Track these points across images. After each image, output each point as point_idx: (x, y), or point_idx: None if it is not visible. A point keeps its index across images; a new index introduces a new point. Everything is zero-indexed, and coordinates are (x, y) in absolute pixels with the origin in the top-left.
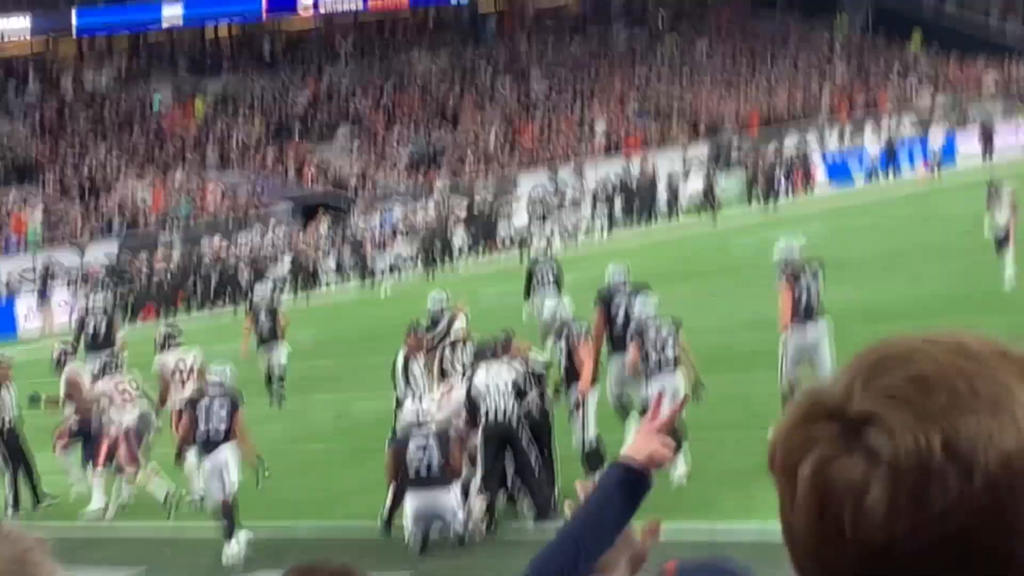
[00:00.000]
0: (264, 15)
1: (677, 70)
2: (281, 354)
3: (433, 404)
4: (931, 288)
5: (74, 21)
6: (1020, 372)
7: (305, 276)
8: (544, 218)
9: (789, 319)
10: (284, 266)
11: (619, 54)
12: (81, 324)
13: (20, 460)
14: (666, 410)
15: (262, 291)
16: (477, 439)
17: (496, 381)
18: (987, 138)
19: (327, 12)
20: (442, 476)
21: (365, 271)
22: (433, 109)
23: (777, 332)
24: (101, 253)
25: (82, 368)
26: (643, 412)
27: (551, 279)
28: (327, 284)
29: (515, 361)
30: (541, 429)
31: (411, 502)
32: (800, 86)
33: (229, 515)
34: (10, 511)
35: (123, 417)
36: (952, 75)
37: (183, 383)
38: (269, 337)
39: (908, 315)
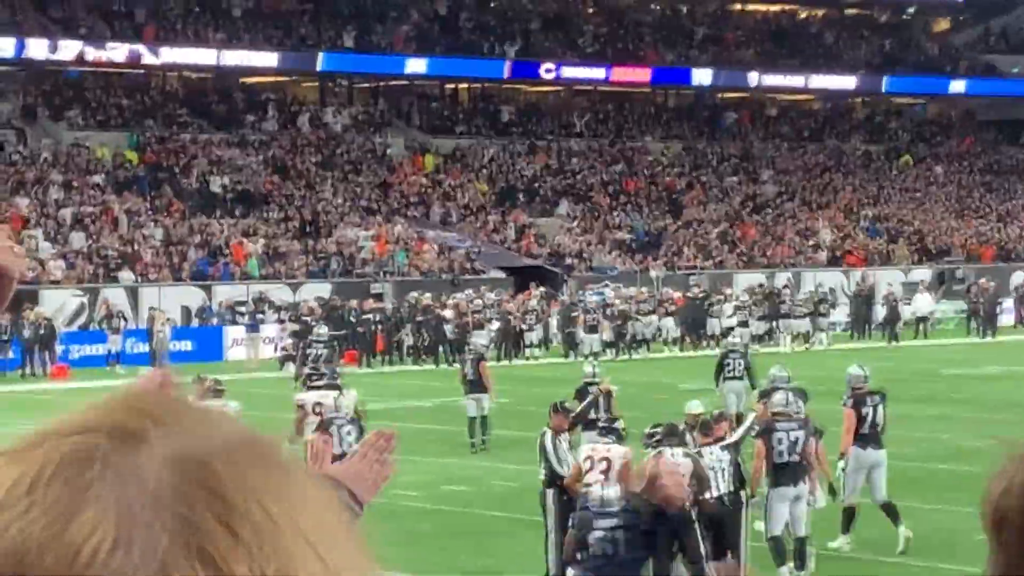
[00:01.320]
0: (506, 77)
1: (910, 191)
2: (485, 404)
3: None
4: None
5: (320, 62)
6: None
7: (509, 343)
8: (761, 317)
9: (851, 442)
10: (491, 331)
11: (853, 167)
12: (304, 352)
13: None
14: None
15: (477, 343)
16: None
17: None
18: None
19: (568, 78)
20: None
21: (572, 346)
22: (658, 195)
23: (977, 466)
24: (314, 293)
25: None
26: None
27: (741, 368)
28: (530, 356)
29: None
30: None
31: None
32: None
33: None
34: None
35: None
36: None
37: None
38: (475, 389)
39: None
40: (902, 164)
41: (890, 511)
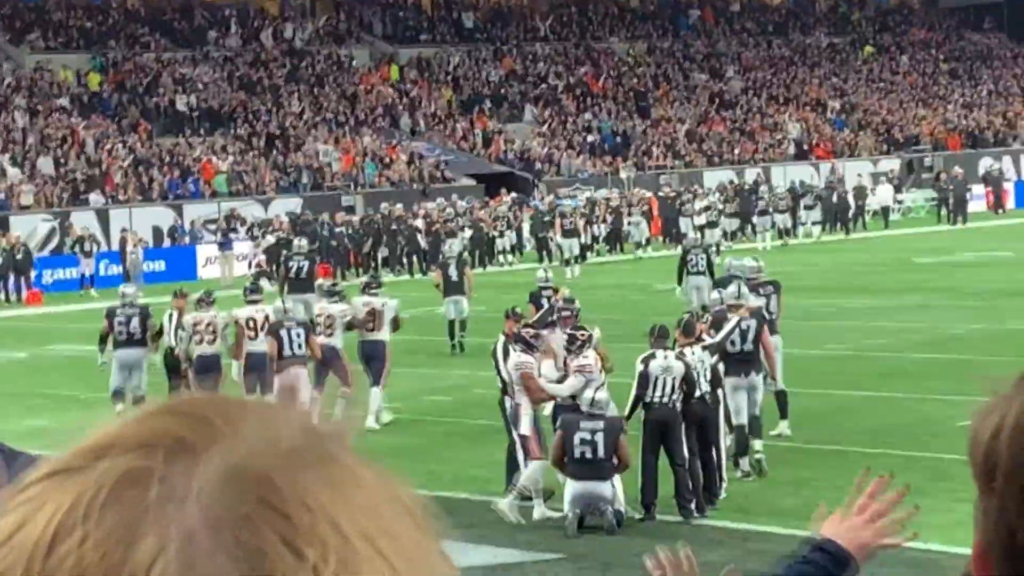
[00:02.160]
0: None
1: (875, 81)
2: (464, 306)
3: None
4: None
5: None
6: None
7: (481, 251)
8: (733, 214)
9: None
10: (463, 239)
11: (818, 59)
12: (286, 265)
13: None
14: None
15: (453, 248)
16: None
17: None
18: None
19: None
20: (604, 469)
21: (544, 252)
22: (625, 96)
23: (955, 353)
24: (284, 208)
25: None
26: None
27: (704, 264)
28: (504, 263)
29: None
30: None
31: (571, 488)
32: (999, 108)
33: None
34: None
35: None
36: None
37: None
38: (456, 291)
39: None
40: (866, 55)
41: (781, 401)
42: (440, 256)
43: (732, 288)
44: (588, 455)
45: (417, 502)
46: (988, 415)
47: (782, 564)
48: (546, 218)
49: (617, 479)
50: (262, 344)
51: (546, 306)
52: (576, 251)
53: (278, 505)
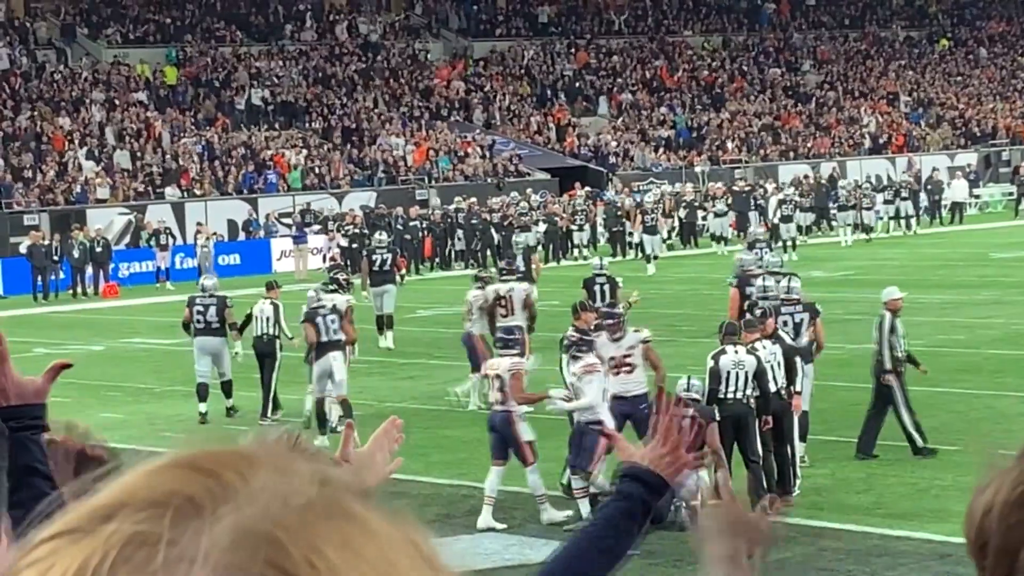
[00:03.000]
0: None
1: (953, 75)
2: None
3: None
4: None
5: None
6: None
7: (556, 245)
8: (804, 209)
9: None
10: (538, 232)
11: (895, 53)
12: (369, 258)
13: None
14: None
15: (523, 239)
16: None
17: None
18: None
19: None
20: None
21: (620, 245)
22: (700, 90)
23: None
24: (358, 202)
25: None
26: None
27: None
28: (579, 256)
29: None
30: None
31: None
32: None
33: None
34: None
35: None
36: None
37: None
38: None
39: None
40: (942, 47)
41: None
42: (511, 248)
43: (784, 283)
44: None
45: (433, 548)
46: (983, 491)
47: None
48: (619, 212)
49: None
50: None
51: (598, 293)
52: (659, 249)
53: (287, 567)
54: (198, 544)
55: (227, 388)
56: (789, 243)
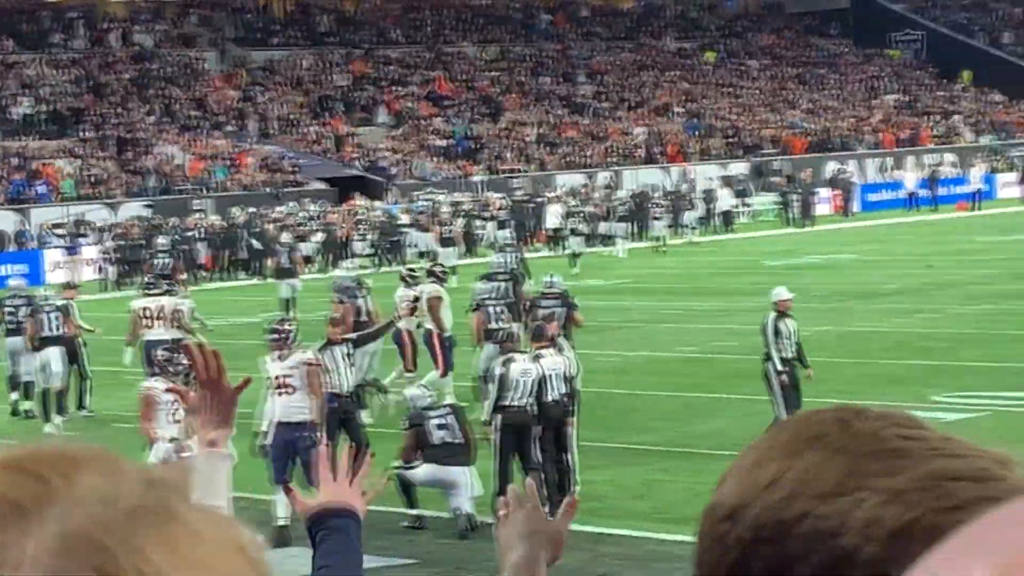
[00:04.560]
0: None
1: (724, 86)
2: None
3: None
4: (957, 324)
5: None
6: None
7: (336, 254)
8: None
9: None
10: (316, 242)
11: (667, 64)
12: (151, 262)
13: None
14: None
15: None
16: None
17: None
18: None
19: None
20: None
21: (397, 254)
22: (476, 100)
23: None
24: (132, 212)
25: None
26: None
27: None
28: (356, 265)
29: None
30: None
31: (429, 472)
32: (845, 112)
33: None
34: None
35: None
36: (999, 115)
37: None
38: (288, 275)
39: (930, 348)
40: (706, 59)
41: None
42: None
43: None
44: (448, 439)
45: (259, 550)
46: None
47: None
48: (398, 221)
49: (473, 473)
50: (159, 331)
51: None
52: (455, 260)
53: (113, 572)
54: (23, 548)
55: (28, 390)
56: (572, 253)
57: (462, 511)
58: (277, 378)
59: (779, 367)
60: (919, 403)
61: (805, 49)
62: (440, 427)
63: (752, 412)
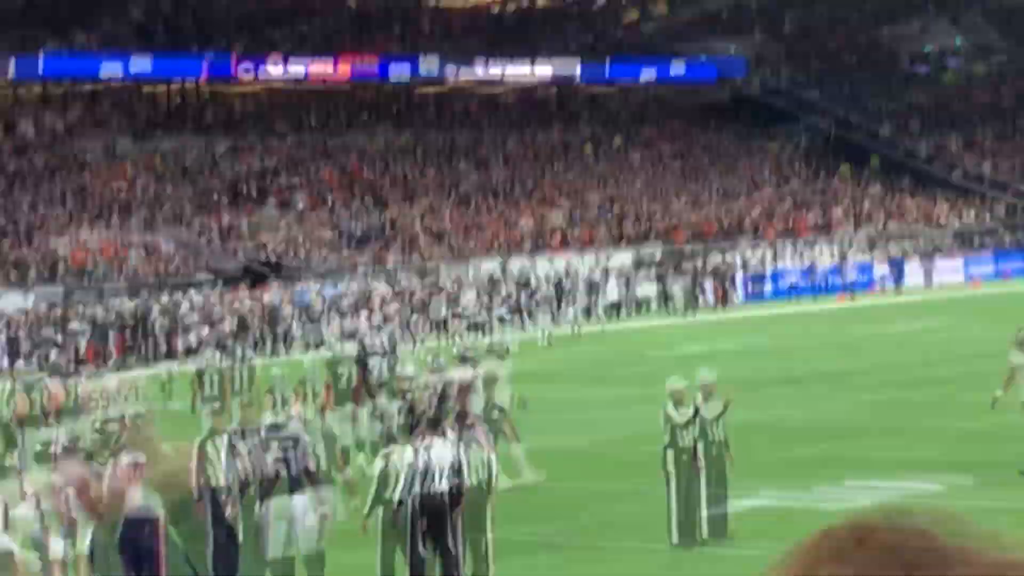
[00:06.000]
0: (203, 80)
1: (608, 177)
2: None
3: None
4: (833, 412)
5: (12, 68)
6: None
7: (224, 346)
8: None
9: None
10: (202, 334)
11: (552, 154)
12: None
13: None
14: None
15: (210, 355)
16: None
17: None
18: (898, 268)
19: (267, 79)
20: None
21: (287, 342)
22: (371, 189)
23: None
24: (13, 304)
25: None
26: None
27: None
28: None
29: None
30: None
31: None
32: (729, 202)
33: None
34: None
35: None
36: (876, 205)
37: None
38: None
39: (809, 438)
40: (586, 151)
41: None
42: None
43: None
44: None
45: None
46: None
47: None
48: (286, 312)
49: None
50: None
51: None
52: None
53: None
54: None
55: None
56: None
57: None
58: None
59: (668, 454)
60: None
61: (686, 141)
62: (278, 460)
63: (641, 500)
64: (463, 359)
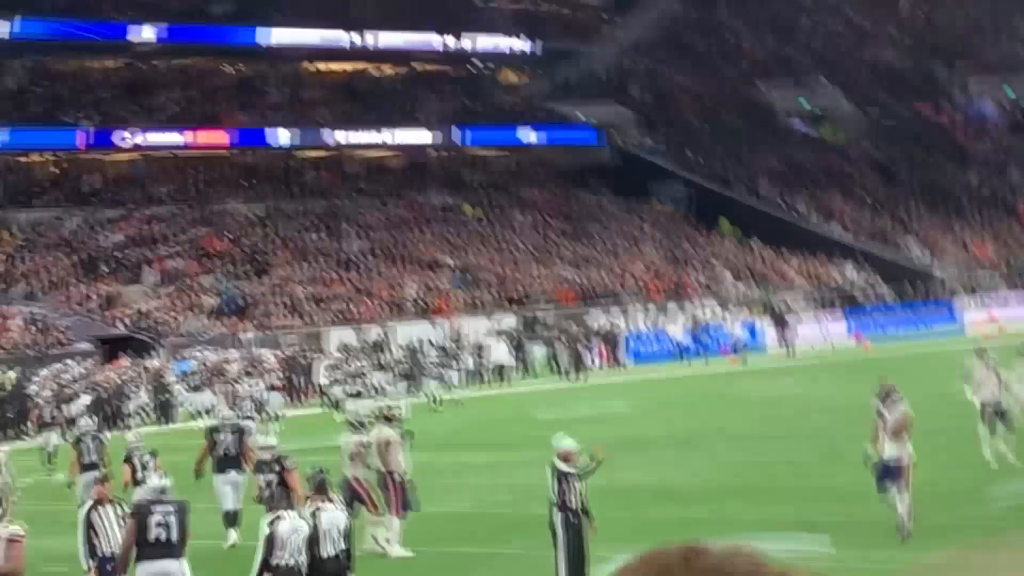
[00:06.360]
0: (82, 146)
1: (491, 240)
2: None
3: None
4: (723, 473)
5: None
6: None
7: (106, 415)
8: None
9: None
10: (84, 403)
11: (434, 219)
12: None
13: None
14: None
15: (86, 423)
16: None
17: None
18: (782, 326)
19: (146, 146)
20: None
21: (169, 413)
22: (245, 257)
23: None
24: None
25: None
26: None
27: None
28: (127, 426)
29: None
30: None
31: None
32: (609, 264)
33: None
34: None
35: None
36: (758, 263)
37: None
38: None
39: (697, 498)
40: (468, 213)
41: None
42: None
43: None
44: (163, 537)
45: None
46: None
47: None
48: (168, 380)
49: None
50: None
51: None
52: (282, 410)
53: None
54: None
55: None
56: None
57: None
58: None
59: (555, 517)
60: None
61: (569, 202)
62: (159, 524)
63: (525, 565)
64: (353, 424)
